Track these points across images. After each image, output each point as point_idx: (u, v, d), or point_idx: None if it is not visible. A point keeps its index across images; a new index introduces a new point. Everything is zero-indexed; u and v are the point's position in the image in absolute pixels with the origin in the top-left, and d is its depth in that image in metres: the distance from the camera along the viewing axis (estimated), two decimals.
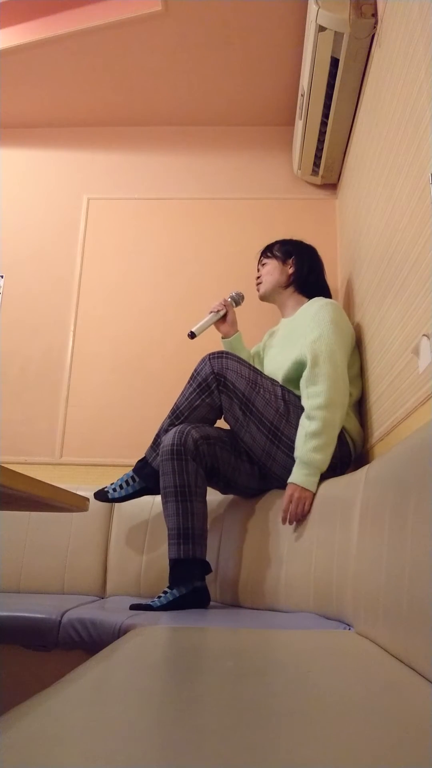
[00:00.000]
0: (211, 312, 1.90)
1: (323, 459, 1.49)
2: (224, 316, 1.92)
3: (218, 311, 1.90)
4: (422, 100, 1.20)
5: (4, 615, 1.41)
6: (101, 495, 1.77)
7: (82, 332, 2.39)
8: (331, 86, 1.91)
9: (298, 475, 1.48)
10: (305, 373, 1.58)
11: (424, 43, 1.19)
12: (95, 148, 2.63)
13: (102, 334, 2.38)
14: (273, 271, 1.91)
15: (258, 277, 1.96)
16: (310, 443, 1.49)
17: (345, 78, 1.85)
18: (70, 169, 2.61)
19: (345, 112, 2.01)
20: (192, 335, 1.78)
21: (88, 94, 2.45)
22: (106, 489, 1.77)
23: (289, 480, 1.49)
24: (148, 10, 2.04)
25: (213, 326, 1.91)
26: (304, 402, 1.56)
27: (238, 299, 1.98)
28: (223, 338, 1.95)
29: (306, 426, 1.52)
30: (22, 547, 1.93)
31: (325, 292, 1.91)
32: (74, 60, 2.26)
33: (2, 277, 2.48)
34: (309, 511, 1.45)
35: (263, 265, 1.95)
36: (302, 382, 1.58)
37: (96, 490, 1.81)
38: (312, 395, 1.54)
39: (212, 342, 1.97)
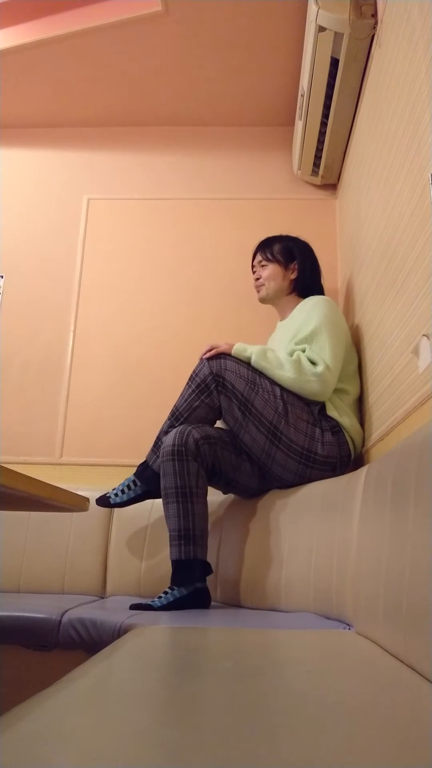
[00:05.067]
0: None
1: (257, 362, 1.63)
2: None
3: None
4: (422, 101, 1.20)
5: (4, 615, 1.41)
6: (103, 501, 1.76)
7: (82, 332, 2.39)
8: (331, 86, 1.91)
9: (240, 346, 1.66)
10: (308, 350, 1.65)
11: (424, 43, 1.19)
12: (95, 148, 2.63)
13: (102, 334, 2.38)
14: (275, 276, 1.90)
15: (257, 279, 1.95)
16: (275, 361, 1.62)
17: (345, 78, 1.85)
18: (70, 169, 2.61)
19: (345, 112, 2.01)
20: None
21: (88, 94, 2.45)
22: (107, 495, 1.76)
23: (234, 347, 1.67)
24: (148, 11, 2.04)
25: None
26: (302, 357, 1.64)
27: None
28: None
29: (286, 359, 1.62)
30: (22, 547, 1.93)
31: (320, 290, 1.93)
32: (74, 60, 2.26)
33: (2, 277, 2.48)
34: (215, 353, 1.66)
35: (263, 266, 1.94)
36: (302, 352, 1.65)
37: (96, 489, 1.80)
38: (313, 363, 1.63)
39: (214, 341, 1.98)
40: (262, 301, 1.96)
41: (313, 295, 1.86)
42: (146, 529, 1.94)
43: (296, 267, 1.90)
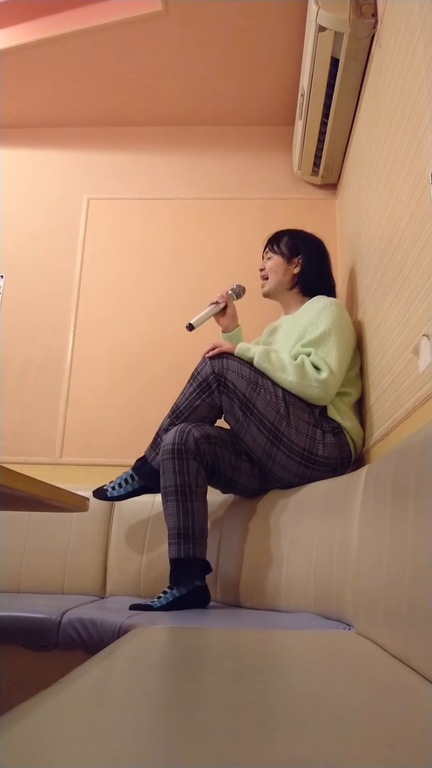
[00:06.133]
0: (211, 304, 1.87)
1: (260, 363, 1.63)
2: (224, 309, 1.88)
3: (218, 303, 1.87)
4: (422, 100, 1.20)
5: (4, 615, 1.41)
6: (100, 493, 1.77)
7: (82, 332, 2.39)
8: (331, 86, 1.91)
9: (244, 346, 1.67)
10: (313, 354, 1.64)
11: (424, 43, 1.19)
12: (95, 148, 2.63)
13: (102, 334, 2.38)
14: (277, 269, 1.88)
15: (261, 270, 1.92)
16: (277, 363, 1.62)
17: (345, 78, 1.85)
18: (70, 169, 2.61)
19: (345, 112, 2.00)
20: (190, 327, 1.76)
21: (88, 94, 2.45)
22: (105, 487, 1.77)
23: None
24: (148, 10, 2.04)
25: (213, 320, 1.90)
26: (306, 361, 1.63)
27: (239, 292, 1.94)
28: (223, 332, 1.93)
29: (290, 362, 1.62)
30: (22, 547, 1.93)
31: (329, 289, 1.89)
32: (74, 60, 2.26)
33: (2, 277, 2.48)
34: (217, 352, 1.68)
35: (268, 258, 1.91)
36: (307, 356, 1.64)
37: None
38: (316, 369, 1.62)
39: (214, 339, 1.97)
40: (266, 295, 1.94)
41: (320, 293, 1.83)
42: (146, 529, 1.94)
43: (300, 262, 1.87)
